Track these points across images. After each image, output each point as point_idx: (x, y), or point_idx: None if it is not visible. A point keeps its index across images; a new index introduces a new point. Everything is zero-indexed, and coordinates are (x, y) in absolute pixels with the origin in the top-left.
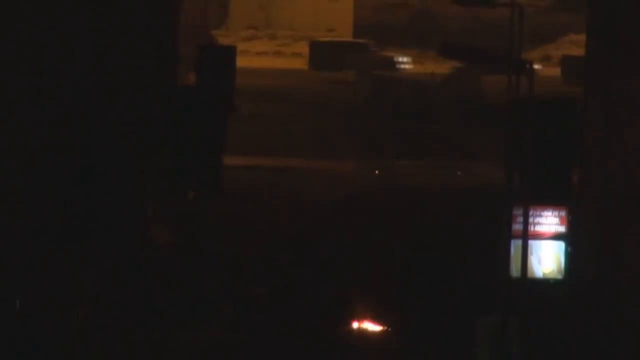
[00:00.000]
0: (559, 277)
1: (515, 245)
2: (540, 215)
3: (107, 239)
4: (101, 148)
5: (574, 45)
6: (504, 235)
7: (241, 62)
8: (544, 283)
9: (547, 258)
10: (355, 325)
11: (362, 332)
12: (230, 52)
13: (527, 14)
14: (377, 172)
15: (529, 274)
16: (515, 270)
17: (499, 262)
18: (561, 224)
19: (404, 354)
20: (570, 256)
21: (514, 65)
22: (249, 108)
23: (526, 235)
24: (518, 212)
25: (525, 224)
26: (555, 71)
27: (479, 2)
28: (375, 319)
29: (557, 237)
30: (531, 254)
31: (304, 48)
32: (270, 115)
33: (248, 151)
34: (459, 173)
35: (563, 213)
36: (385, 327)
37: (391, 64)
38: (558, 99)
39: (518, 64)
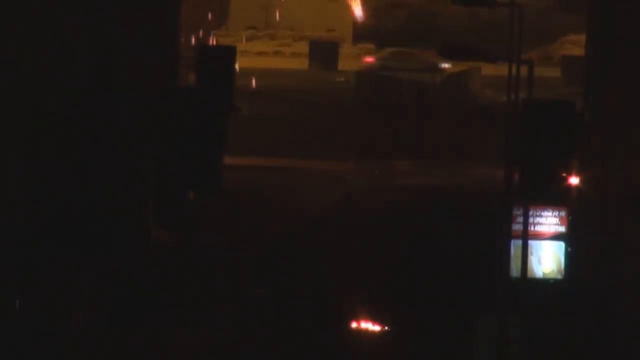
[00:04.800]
0: (559, 277)
1: (515, 245)
2: (540, 215)
3: (107, 240)
4: (101, 148)
5: (574, 45)
6: (504, 235)
7: (241, 62)
8: (544, 283)
9: (547, 258)
10: (355, 325)
11: (362, 332)
12: (230, 52)
13: (527, 14)
14: (376, 171)
15: (529, 274)
16: (515, 270)
17: (499, 262)
18: (561, 224)
19: (404, 354)
20: (570, 256)
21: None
22: (249, 108)
23: (526, 235)
24: (518, 212)
25: (525, 224)
26: (555, 71)
27: (479, 2)
28: (375, 319)
29: (557, 237)
30: (531, 254)
31: (304, 48)
32: (270, 116)
33: (248, 151)
34: (461, 171)
35: (563, 213)
36: (385, 327)
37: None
38: (558, 99)
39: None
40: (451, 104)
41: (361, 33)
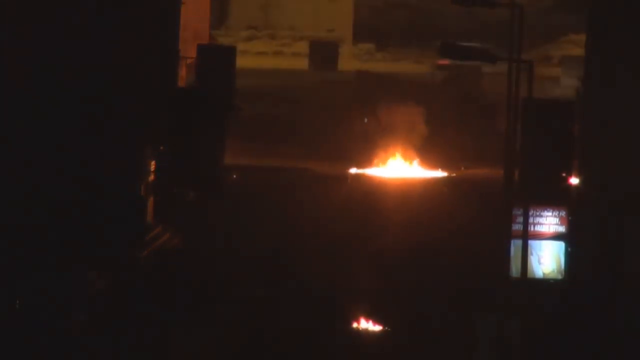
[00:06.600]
0: (559, 277)
1: (515, 245)
2: (540, 215)
3: (108, 239)
4: (102, 148)
5: (574, 45)
6: (504, 235)
7: (241, 62)
8: (544, 283)
9: (547, 258)
10: (355, 325)
11: (362, 332)
12: (230, 52)
13: (527, 14)
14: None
15: (529, 274)
16: (515, 270)
17: (499, 262)
18: (561, 224)
19: (404, 354)
20: (570, 256)
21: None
22: (249, 108)
23: (526, 235)
24: (518, 212)
25: (525, 224)
26: (555, 71)
27: (479, 2)
28: (375, 319)
29: (557, 237)
30: (531, 254)
31: (304, 48)
32: (270, 116)
33: (248, 151)
34: (462, 168)
35: (563, 213)
36: (385, 327)
37: None
38: (558, 99)
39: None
40: (451, 103)
41: (361, 33)
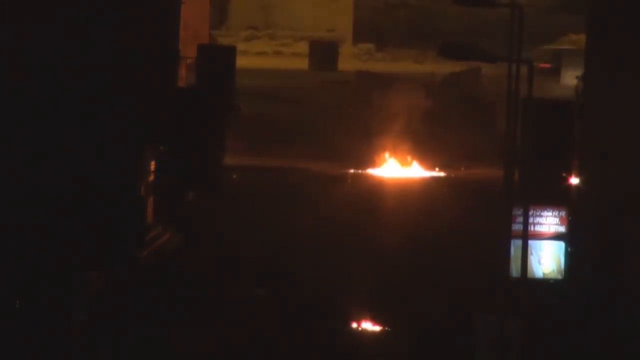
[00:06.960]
0: (559, 277)
1: (515, 245)
2: (540, 215)
3: (108, 239)
4: (102, 148)
5: (574, 45)
6: (504, 235)
7: (241, 62)
8: (544, 283)
9: (547, 258)
10: (355, 325)
11: (362, 332)
12: (230, 52)
13: (527, 14)
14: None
15: (529, 274)
16: (515, 270)
17: (499, 262)
18: (561, 224)
19: (404, 354)
20: (570, 256)
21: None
22: (249, 108)
23: (526, 235)
24: (518, 212)
25: (525, 224)
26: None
27: (479, 2)
28: (375, 319)
29: (557, 237)
30: (531, 254)
31: (304, 48)
32: (270, 116)
33: (248, 151)
34: (462, 169)
35: (563, 213)
36: (385, 327)
37: None
38: (558, 99)
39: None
40: (451, 103)
41: (361, 33)
